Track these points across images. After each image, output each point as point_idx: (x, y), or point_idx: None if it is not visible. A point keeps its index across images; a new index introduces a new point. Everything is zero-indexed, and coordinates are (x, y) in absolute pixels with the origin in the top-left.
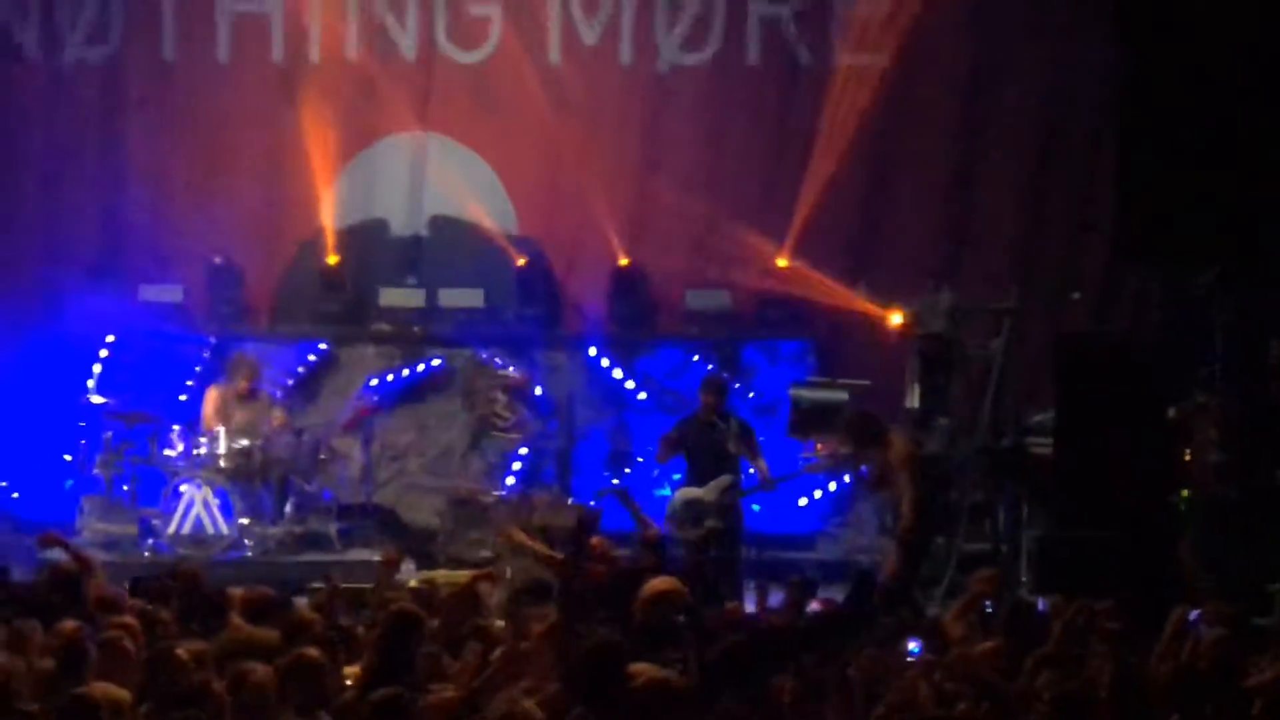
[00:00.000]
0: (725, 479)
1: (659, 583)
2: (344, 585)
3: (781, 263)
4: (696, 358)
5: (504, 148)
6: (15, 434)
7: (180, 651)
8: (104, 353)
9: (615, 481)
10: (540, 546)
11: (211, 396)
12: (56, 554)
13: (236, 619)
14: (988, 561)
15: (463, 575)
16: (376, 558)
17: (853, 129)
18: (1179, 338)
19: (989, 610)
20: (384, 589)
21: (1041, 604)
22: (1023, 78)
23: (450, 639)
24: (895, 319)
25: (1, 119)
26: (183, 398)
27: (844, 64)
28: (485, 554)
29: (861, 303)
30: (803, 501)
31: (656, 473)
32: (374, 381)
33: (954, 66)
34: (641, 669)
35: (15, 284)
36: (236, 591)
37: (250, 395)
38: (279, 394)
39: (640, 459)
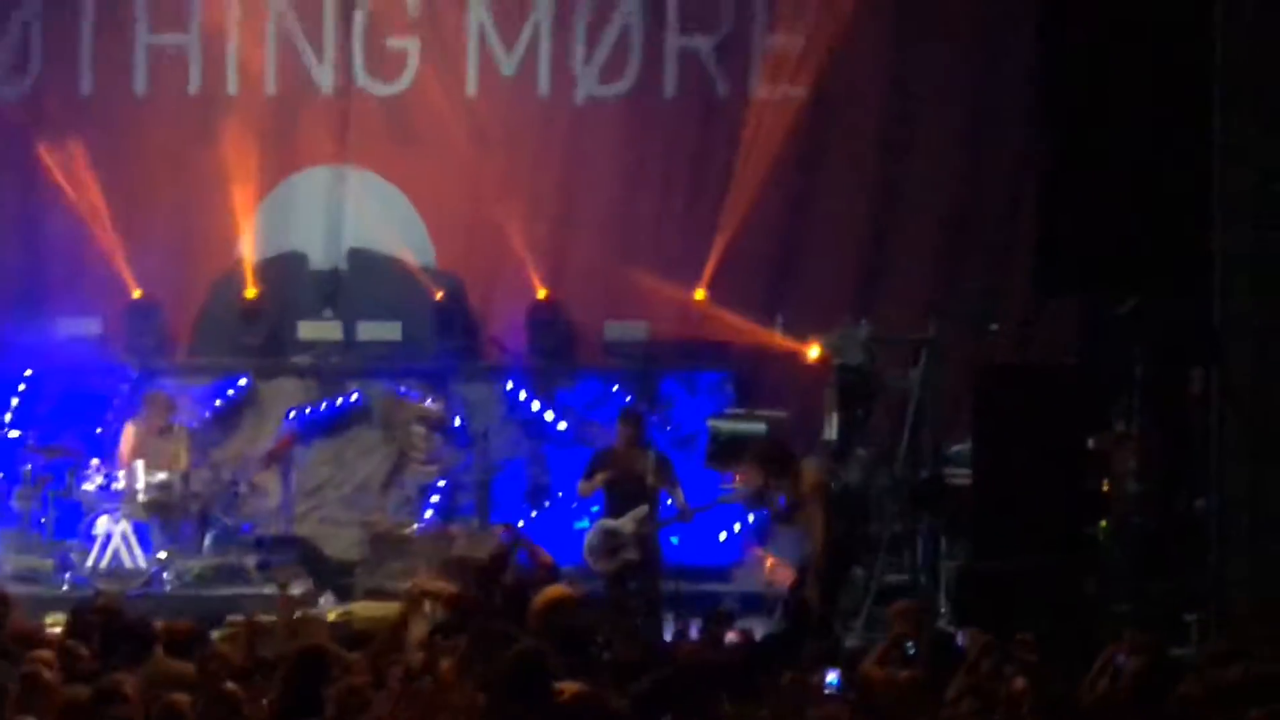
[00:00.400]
0: (642, 510)
1: (550, 590)
2: (263, 619)
3: (699, 295)
4: (615, 389)
5: (422, 180)
6: None
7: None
8: (21, 386)
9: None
10: (445, 588)
11: (128, 433)
12: None
13: (159, 652)
14: (906, 593)
15: (382, 608)
16: (294, 592)
17: (771, 161)
18: (1098, 368)
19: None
20: (285, 624)
21: (960, 636)
22: (942, 109)
23: (375, 672)
24: (813, 352)
25: None
26: (100, 431)
27: (762, 96)
28: (403, 586)
29: (778, 337)
30: (722, 536)
31: (575, 505)
32: (292, 414)
33: (872, 98)
34: (569, 686)
35: None
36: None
37: (166, 430)
38: (196, 427)
39: (560, 493)
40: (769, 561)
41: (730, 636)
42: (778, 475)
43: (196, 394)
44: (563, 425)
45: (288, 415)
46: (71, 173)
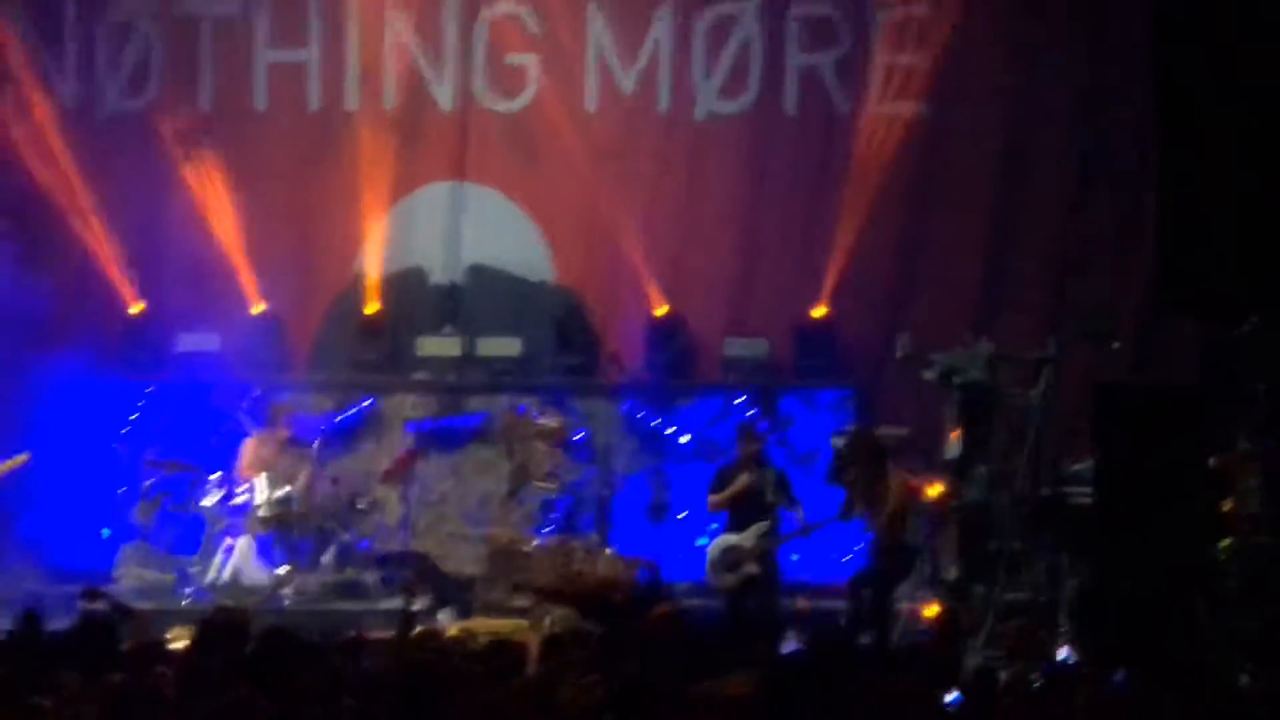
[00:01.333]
0: (763, 525)
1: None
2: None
3: (818, 312)
4: (742, 401)
5: (542, 196)
6: (54, 482)
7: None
8: (142, 401)
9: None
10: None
11: (249, 446)
12: (99, 606)
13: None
14: (1027, 610)
15: (501, 624)
16: (417, 607)
17: (890, 178)
18: (1219, 386)
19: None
20: (403, 641)
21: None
22: (1061, 127)
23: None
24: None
25: (40, 170)
26: (219, 446)
27: (881, 112)
28: (523, 603)
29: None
30: (846, 558)
31: (683, 515)
32: (412, 428)
33: (990, 114)
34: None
35: (54, 332)
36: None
37: (288, 445)
38: (316, 442)
39: (683, 514)
40: None
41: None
42: (868, 461)
43: (317, 409)
44: (685, 438)
45: (407, 427)
46: (191, 188)
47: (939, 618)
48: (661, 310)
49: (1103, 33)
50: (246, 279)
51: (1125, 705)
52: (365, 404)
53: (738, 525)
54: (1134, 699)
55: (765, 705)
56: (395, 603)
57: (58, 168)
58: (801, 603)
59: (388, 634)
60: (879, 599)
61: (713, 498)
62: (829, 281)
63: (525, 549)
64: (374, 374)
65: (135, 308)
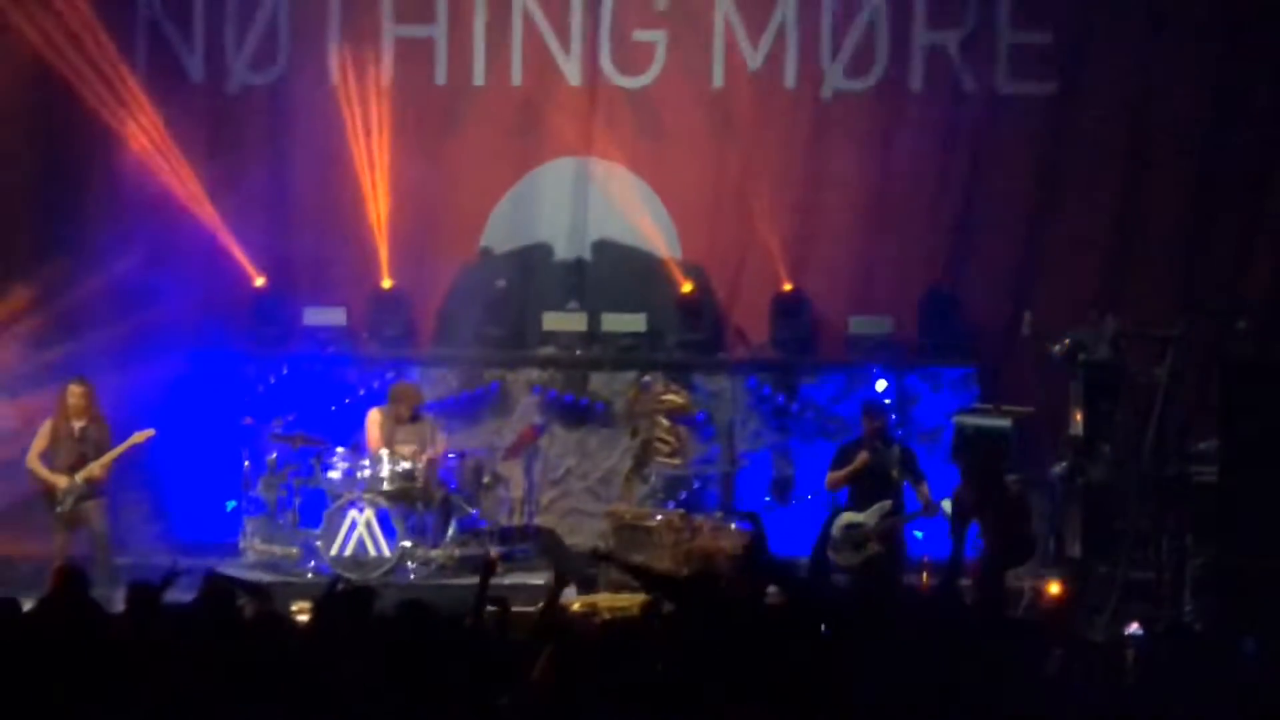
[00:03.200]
0: (886, 503)
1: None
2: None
3: (943, 290)
4: (881, 380)
5: (667, 172)
6: (180, 455)
7: None
8: (269, 375)
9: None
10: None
11: (374, 419)
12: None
13: None
14: (1152, 589)
15: (625, 599)
16: (538, 581)
17: (1016, 156)
18: None
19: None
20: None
21: None
22: (1188, 107)
23: None
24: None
25: (171, 143)
26: (344, 420)
27: (1008, 91)
28: None
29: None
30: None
31: (812, 496)
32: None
33: (1118, 95)
34: None
35: (181, 305)
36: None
37: (413, 419)
38: (440, 416)
39: (810, 496)
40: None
41: None
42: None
43: (440, 384)
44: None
45: (534, 392)
46: (317, 163)
47: (1061, 595)
48: (786, 287)
49: (1236, 9)
50: (373, 254)
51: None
52: (485, 373)
53: (861, 503)
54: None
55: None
56: (518, 578)
57: (185, 142)
58: (925, 579)
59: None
60: (993, 580)
61: (832, 475)
62: (954, 259)
63: (649, 524)
64: (498, 349)
65: (259, 280)
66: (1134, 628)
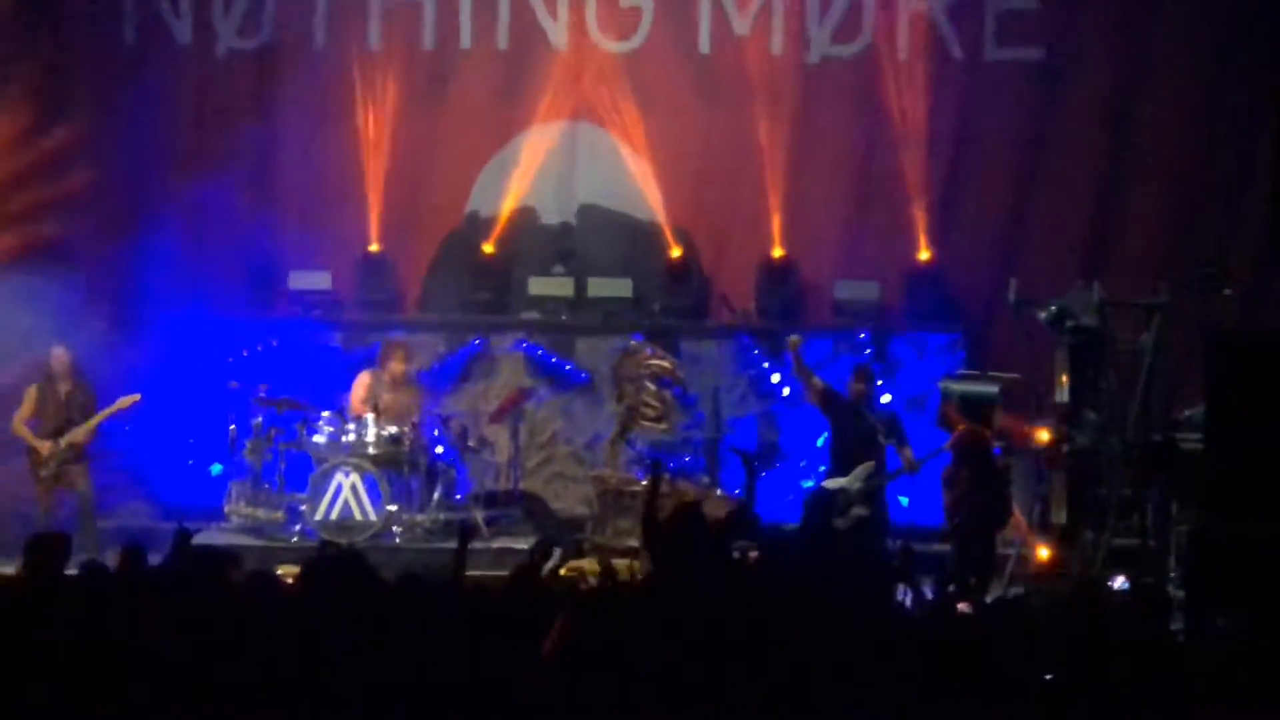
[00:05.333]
0: (869, 464)
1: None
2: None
3: (924, 256)
4: (860, 347)
5: (654, 137)
6: (165, 419)
7: None
8: (253, 339)
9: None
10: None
11: (362, 381)
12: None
13: None
14: (1136, 556)
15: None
16: (522, 546)
17: (1002, 122)
18: None
19: None
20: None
21: None
22: (1175, 73)
23: None
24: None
25: (156, 108)
26: (330, 384)
27: (995, 58)
28: (632, 543)
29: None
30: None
31: (804, 463)
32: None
33: (1105, 61)
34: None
35: (164, 269)
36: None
37: (400, 381)
38: (426, 381)
39: (803, 463)
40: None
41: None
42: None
43: (425, 349)
44: (786, 391)
45: (514, 345)
46: (303, 127)
47: (1048, 562)
48: (777, 253)
49: None
50: (360, 218)
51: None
52: (475, 343)
53: (847, 466)
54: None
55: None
56: (504, 542)
57: (172, 106)
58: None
59: (496, 573)
60: (980, 546)
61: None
62: (941, 226)
63: (633, 490)
64: (484, 313)
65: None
66: (1120, 581)
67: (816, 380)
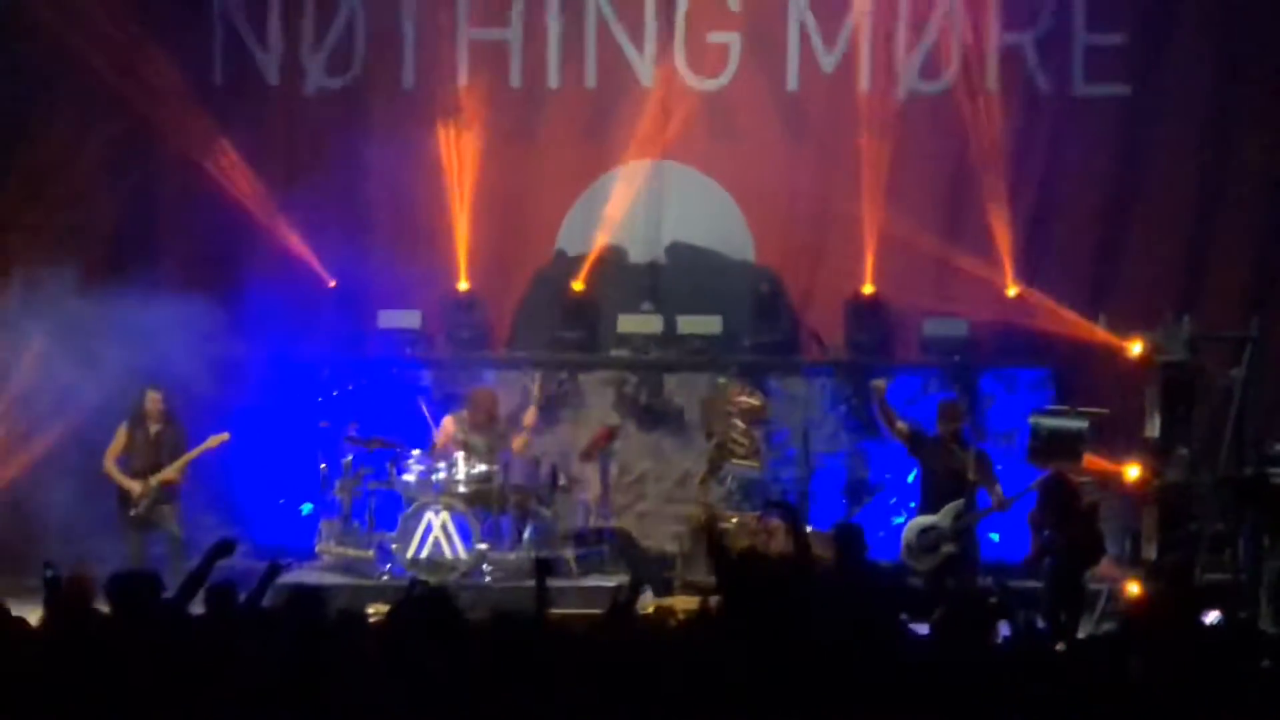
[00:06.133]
0: (958, 503)
1: None
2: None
3: (1012, 291)
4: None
5: (741, 175)
6: (257, 458)
7: None
8: (343, 378)
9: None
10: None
11: (447, 426)
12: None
13: None
14: (1227, 592)
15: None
16: (613, 584)
17: (1092, 157)
18: None
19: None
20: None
21: None
22: (1263, 108)
23: None
24: (1135, 348)
25: (244, 147)
26: (420, 423)
27: (1084, 93)
28: None
29: (1101, 332)
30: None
31: (894, 500)
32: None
33: (1193, 96)
34: None
35: (254, 308)
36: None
37: (489, 423)
38: (517, 422)
39: (893, 500)
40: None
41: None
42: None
43: (515, 387)
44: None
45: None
46: (392, 166)
47: (1139, 598)
48: (867, 289)
49: None
50: (448, 256)
51: None
52: (560, 376)
53: (934, 504)
54: None
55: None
56: (594, 580)
57: (261, 145)
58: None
59: (585, 611)
60: (1069, 582)
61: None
62: (1029, 261)
63: (724, 527)
64: (573, 351)
65: (331, 283)
66: (1212, 616)
67: (901, 424)
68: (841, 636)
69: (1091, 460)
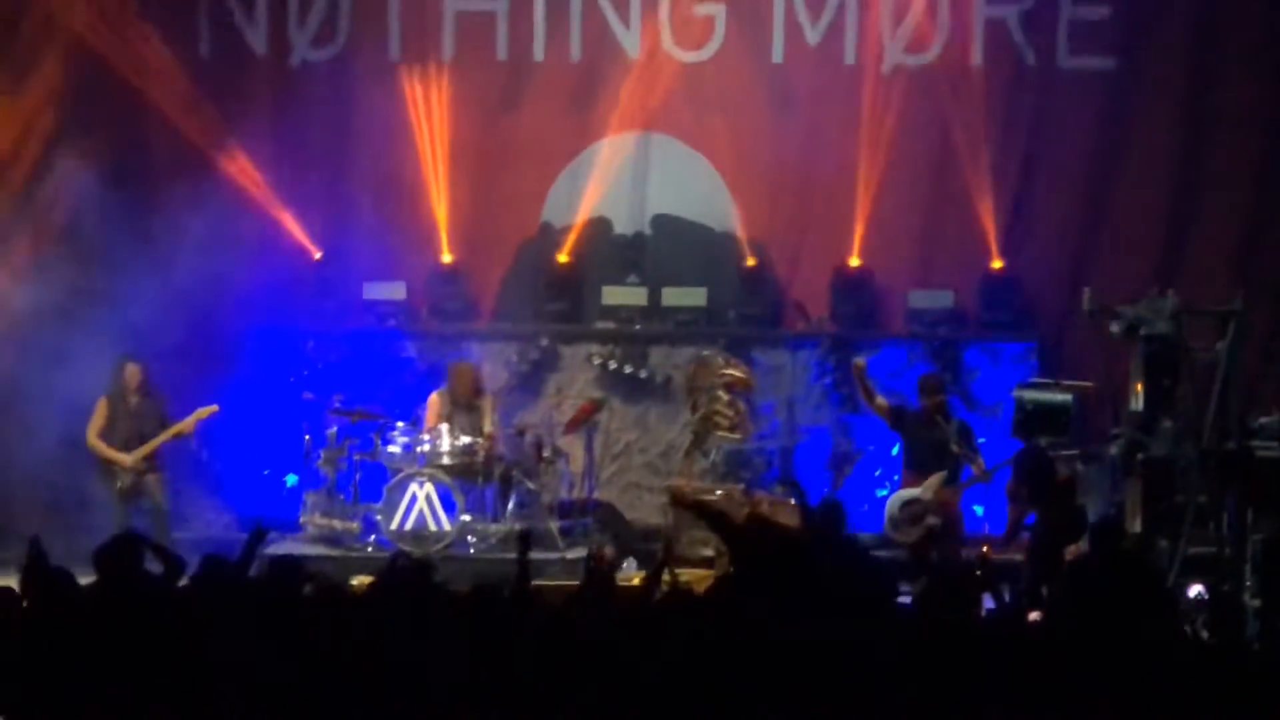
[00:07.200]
0: (940, 475)
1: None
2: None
3: (997, 264)
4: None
5: (727, 147)
6: (242, 430)
7: None
8: (328, 350)
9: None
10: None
11: (433, 403)
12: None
13: None
14: (1211, 565)
15: (686, 574)
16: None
17: (1076, 131)
18: None
19: None
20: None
21: None
22: (1249, 79)
23: None
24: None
25: (231, 119)
26: (405, 395)
27: (1069, 66)
28: (707, 553)
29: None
30: None
31: (879, 472)
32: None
33: (1177, 69)
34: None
35: (239, 279)
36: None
37: (474, 397)
38: (499, 392)
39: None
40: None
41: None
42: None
43: (500, 358)
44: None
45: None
46: (378, 138)
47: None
48: (854, 262)
49: None
50: (433, 229)
51: None
52: (543, 345)
53: (917, 478)
54: None
55: None
56: (578, 552)
57: (247, 116)
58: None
59: (568, 583)
60: (1050, 557)
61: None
62: (1014, 234)
63: (708, 499)
64: (558, 323)
65: (317, 255)
66: (1196, 589)
67: (881, 400)
68: (845, 609)
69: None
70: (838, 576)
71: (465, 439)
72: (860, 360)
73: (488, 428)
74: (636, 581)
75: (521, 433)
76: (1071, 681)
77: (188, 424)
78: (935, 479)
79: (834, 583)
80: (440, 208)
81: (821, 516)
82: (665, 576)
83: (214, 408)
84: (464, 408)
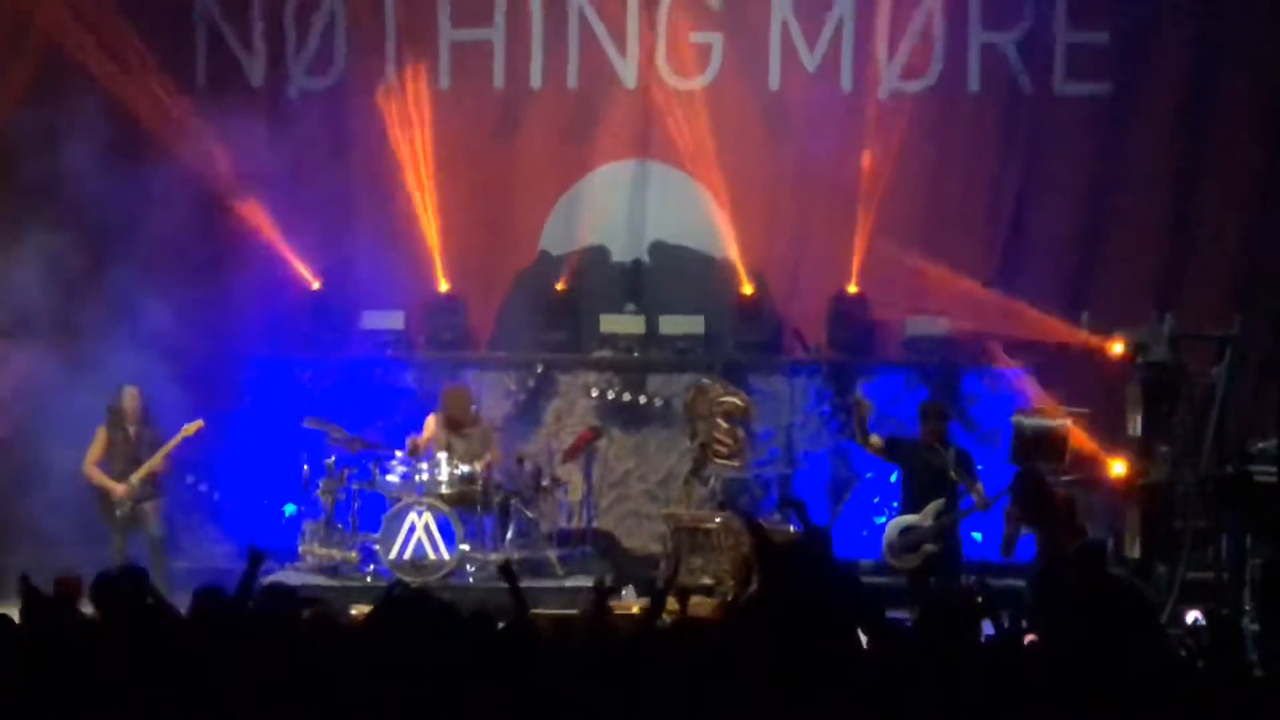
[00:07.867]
0: (939, 502)
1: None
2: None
3: (997, 290)
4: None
5: (724, 174)
6: (240, 459)
7: None
8: (326, 379)
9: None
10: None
11: (429, 425)
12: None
13: None
14: (1210, 589)
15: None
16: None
17: (1073, 156)
18: None
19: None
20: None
21: None
22: (1245, 105)
23: None
24: (1116, 348)
25: (229, 149)
26: (403, 424)
27: (1065, 91)
28: (707, 581)
29: (1081, 334)
30: None
31: (877, 499)
32: (595, 396)
33: (1174, 94)
34: None
35: (239, 309)
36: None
37: (470, 423)
38: (498, 420)
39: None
40: None
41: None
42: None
43: (497, 387)
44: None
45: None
46: (375, 166)
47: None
48: (851, 289)
49: None
50: (430, 257)
51: None
52: (540, 373)
53: (916, 504)
54: None
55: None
56: (577, 580)
57: (245, 146)
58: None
59: (568, 612)
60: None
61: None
62: (1011, 260)
63: (707, 527)
64: (555, 351)
65: (315, 284)
66: (1194, 614)
67: (875, 439)
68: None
69: (1079, 438)
70: (822, 599)
71: (464, 468)
72: (867, 401)
73: (486, 455)
74: (635, 610)
75: (520, 461)
76: (1060, 706)
77: (175, 442)
78: (933, 506)
79: (816, 605)
80: (437, 237)
81: (809, 539)
82: (671, 605)
83: (200, 423)
84: (458, 431)
